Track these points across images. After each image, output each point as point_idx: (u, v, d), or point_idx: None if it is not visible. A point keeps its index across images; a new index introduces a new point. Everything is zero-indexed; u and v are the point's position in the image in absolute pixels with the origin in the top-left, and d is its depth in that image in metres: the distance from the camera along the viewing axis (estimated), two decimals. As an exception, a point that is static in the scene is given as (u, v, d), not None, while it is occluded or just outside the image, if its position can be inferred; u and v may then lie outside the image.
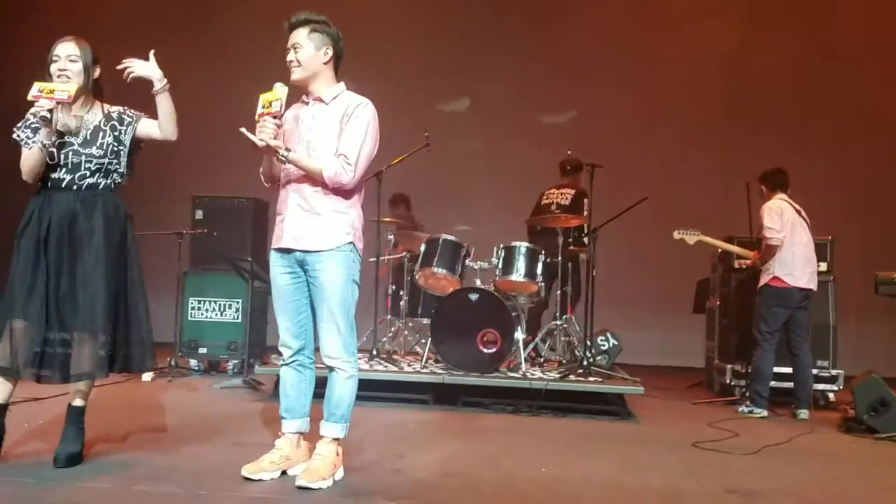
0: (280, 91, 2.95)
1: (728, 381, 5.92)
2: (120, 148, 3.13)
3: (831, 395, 5.82)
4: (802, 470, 3.70)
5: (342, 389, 3.07)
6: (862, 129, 8.27)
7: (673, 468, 3.59)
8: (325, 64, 3.07)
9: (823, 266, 5.81)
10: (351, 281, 3.06)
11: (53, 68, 3.03)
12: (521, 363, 5.18)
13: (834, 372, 5.79)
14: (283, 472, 3.07)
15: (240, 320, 6.17)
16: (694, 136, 8.44)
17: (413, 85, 8.53)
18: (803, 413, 5.19)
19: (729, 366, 5.97)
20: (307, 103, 3.13)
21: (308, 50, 3.03)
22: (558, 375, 5.18)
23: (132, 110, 3.21)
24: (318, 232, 3.02)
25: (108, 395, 4.43)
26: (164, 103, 3.12)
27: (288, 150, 2.99)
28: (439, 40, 8.75)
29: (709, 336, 6.72)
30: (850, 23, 8.45)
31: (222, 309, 6.26)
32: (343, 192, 3.05)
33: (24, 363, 2.93)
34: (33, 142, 2.97)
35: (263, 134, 2.96)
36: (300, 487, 2.90)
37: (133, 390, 5.13)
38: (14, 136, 3.03)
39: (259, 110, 2.96)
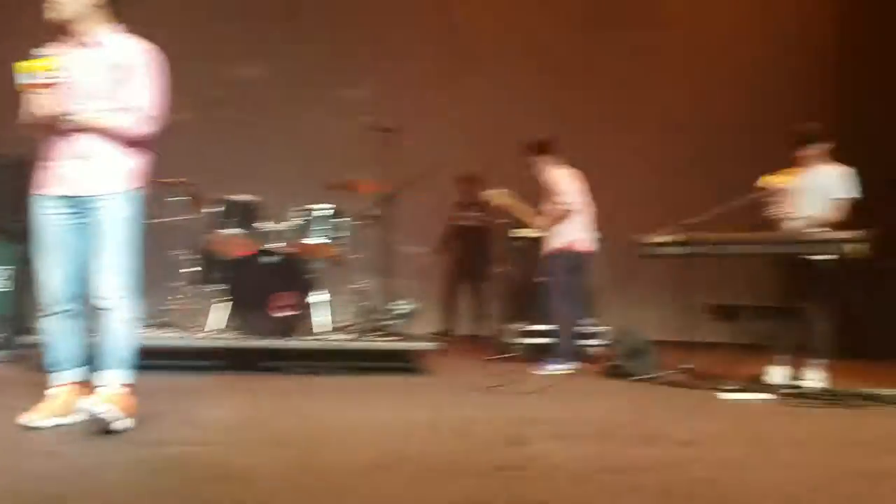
0: (48, 61, 2.78)
1: (512, 341, 6.40)
2: None
3: (597, 350, 6.45)
4: (572, 402, 4.25)
5: (120, 332, 2.95)
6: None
7: (464, 406, 3.94)
8: (92, 5, 2.88)
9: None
10: (134, 222, 2.99)
11: None
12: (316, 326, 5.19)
13: (600, 329, 6.47)
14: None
15: (10, 289, 5.50)
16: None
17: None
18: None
19: (514, 326, 6.48)
20: (70, 46, 2.93)
21: None
22: (354, 336, 5.30)
23: None
24: (100, 176, 2.92)
25: None
26: None
27: (71, 113, 2.84)
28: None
29: (498, 301, 7.19)
30: None
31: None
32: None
33: None
34: None
35: (43, 105, 2.79)
36: (98, 419, 2.77)
37: None
38: None
39: (26, 79, 2.75)
